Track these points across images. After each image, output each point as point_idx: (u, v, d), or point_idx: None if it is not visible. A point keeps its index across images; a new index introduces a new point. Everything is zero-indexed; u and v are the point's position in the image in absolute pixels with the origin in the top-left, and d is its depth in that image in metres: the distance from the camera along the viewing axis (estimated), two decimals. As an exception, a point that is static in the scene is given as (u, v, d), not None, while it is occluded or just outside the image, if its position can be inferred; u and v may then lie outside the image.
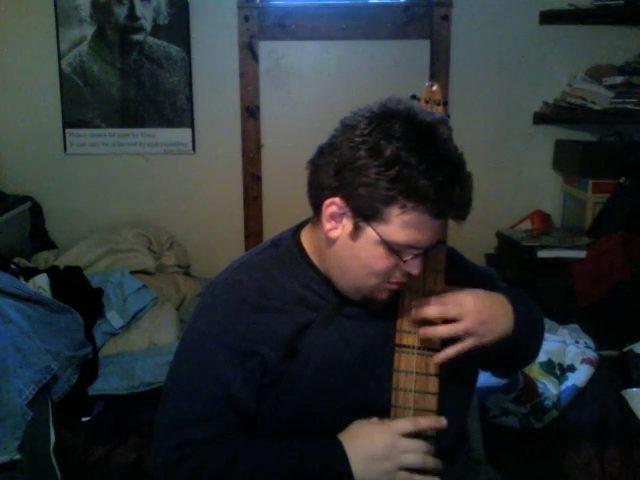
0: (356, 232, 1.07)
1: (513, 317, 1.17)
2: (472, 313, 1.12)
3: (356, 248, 1.08)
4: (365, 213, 1.05)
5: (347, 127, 1.07)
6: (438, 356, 1.13)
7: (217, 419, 1.12)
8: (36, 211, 2.95)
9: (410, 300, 1.17)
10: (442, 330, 1.13)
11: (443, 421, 1.12)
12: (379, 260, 1.07)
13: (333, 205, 1.07)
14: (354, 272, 1.11)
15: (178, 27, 2.87)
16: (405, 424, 1.11)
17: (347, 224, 1.08)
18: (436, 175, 1.00)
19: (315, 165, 1.11)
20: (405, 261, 1.08)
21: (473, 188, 1.06)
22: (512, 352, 1.22)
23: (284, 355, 1.12)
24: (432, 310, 1.13)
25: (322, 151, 1.10)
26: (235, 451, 1.11)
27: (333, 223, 1.09)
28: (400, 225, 1.04)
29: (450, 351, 1.13)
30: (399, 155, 1.01)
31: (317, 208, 1.11)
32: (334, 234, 1.10)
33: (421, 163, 1.00)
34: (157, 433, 1.15)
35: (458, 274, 1.22)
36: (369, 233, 1.06)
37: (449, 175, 1.02)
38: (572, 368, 1.96)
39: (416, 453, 1.09)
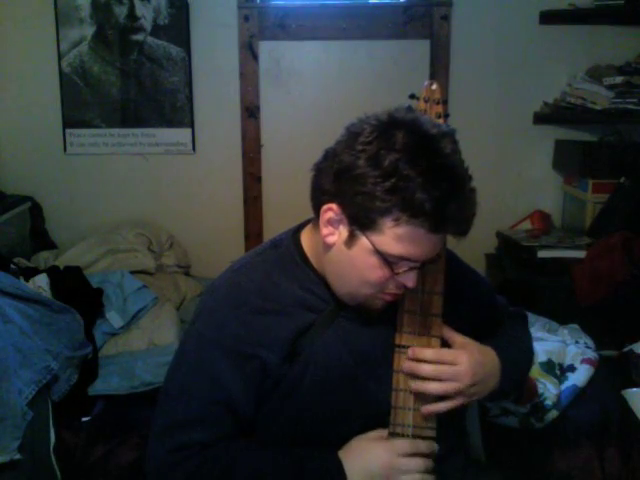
0: (351, 240, 1.07)
1: (500, 375, 1.19)
2: (466, 375, 1.13)
3: (351, 256, 1.08)
4: (360, 222, 1.04)
5: (351, 134, 1.06)
6: (428, 409, 1.13)
7: (215, 422, 1.12)
8: (36, 211, 2.95)
9: (410, 301, 1.17)
10: (435, 387, 1.13)
11: (436, 446, 1.14)
12: (373, 270, 1.07)
13: (330, 211, 1.07)
14: (349, 279, 1.11)
15: (178, 27, 2.87)
16: (404, 445, 1.12)
17: (343, 231, 1.08)
18: (433, 189, 0.99)
19: (318, 169, 1.11)
20: (398, 273, 1.07)
21: (477, 204, 1.05)
22: (497, 397, 1.25)
23: (284, 358, 1.12)
24: (427, 368, 1.13)
25: (327, 155, 1.10)
26: (232, 458, 1.11)
27: (330, 229, 1.09)
28: (394, 237, 1.03)
29: (441, 406, 1.14)
30: (397, 166, 1.00)
31: (317, 211, 1.11)
32: (331, 240, 1.10)
33: (418, 176, 0.99)
34: (154, 434, 1.15)
35: (453, 279, 1.22)
36: (363, 242, 1.06)
37: (446, 190, 1.00)
38: (572, 368, 1.96)
39: (414, 473, 1.10)
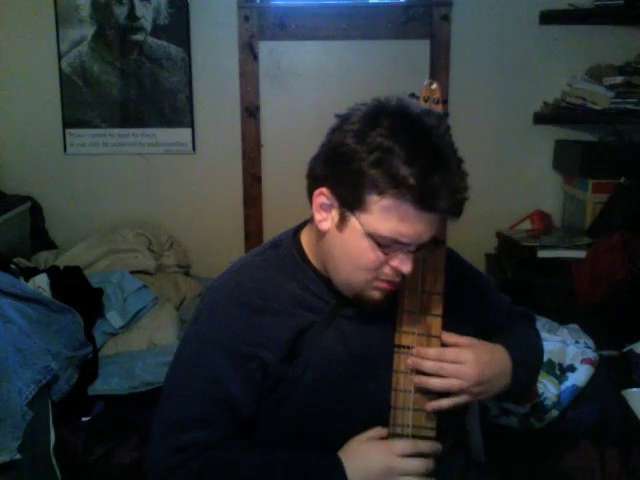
0: (342, 223, 1.07)
1: (512, 374, 1.17)
2: (471, 373, 1.12)
3: (343, 240, 1.08)
4: (349, 202, 1.05)
5: (340, 119, 1.08)
6: (431, 405, 1.13)
7: (216, 422, 1.12)
8: (36, 211, 2.95)
9: (410, 301, 1.17)
10: (436, 383, 1.12)
11: (439, 446, 1.13)
12: (365, 253, 1.06)
13: (321, 195, 1.08)
14: (343, 265, 1.10)
15: (178, 27, 2.87)
16: (404, 445, 1.11)
17: (335, 215, 1.08)
18: (416, 162, 0.99)
19: (312, 160, 1.12)
20: (387, 254, 1.06)
21: (467, 185, 1.04)
22: (504, 397, 1.24)
23: (284, 358, 1.12)
24: (430, 365, 1.13)
25: (320, 147, 1.11)
26: (235, 460, 1.10)
27: (323, 214, 1.10)
28: (381, 212, 1.02)
29: (443, 403, 1.13)
30: (381, 142, 1.00)
31: (310, 200, 1.12)
32: (324, 226, 1.10)
33: (401, 149, 0.99)
34: (155, 434, 1.15)
35: (454, 277, 1.22)
36: (354, 224, 1.06)
37: (431, 164, 1.00)
38: (572, 368, 1.96)
39: (414, 475, 1.10)
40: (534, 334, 1.37)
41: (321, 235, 1.12)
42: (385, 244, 1.05)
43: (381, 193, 1.01)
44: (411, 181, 0.99)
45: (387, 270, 1.08)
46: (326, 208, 1.09)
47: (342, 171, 1.04)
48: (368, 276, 1.09)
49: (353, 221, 1.06)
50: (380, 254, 1.06)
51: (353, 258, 1.08)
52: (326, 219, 1.10)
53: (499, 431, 1.80)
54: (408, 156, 0.99)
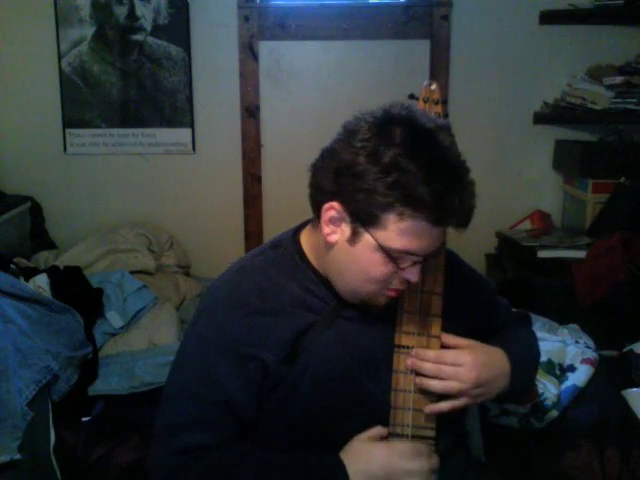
0: (354, 237, 1.07)
1: (510, 375, 1.18)
2: (469, 376, 1.13)
3: (354, 253, 1.08)
4: (363, 219, 1.05)
5: (348, 132, 1.06)
6: (431, 408, 1.14)
7: (217, 423, 1.12)
8: (36, 211, 2.95)
9: (409, 301, 1.17)
10: (436, 385, 1.13)
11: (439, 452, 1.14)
12: (377, 266, 1.07)
13: (332, 209, 1.07)
14: (352, 277, 1.10)
15: (178, 27, 2.87)
16: (406, 446, 1.12)
17: (345, 229, 1.08)
18: (434, 183, 1.00)
19: (316, 168, 1.11)
20: (403, 268, 1.07)
21: (475, 195, 1.05)
22: (503, 399, 1.25)
23: (284, 358, 1.12)
24: (429, 367, 1.13)
25: (323, 155, 1.10)
26: (235, 462, 1.11)
27: (332, 227, 1.09)
28: (398, 232, 1.03)
29: (443, 406, 1.14)
30: (398, 162, 1.00)
31: (317, 211, 1.11)
32: (333, 238, 1.10)
33: (419, 170, 1.00)
34: (157, 436, 1.15)
35: (454, 278, 1.22)
36: (367, 239, 1.06)
37: (448, 183, 1.00)
38: (572, 368, 1.96)
39: (416, 475, 1.10)
40: (531, 335, 1.38)
41: (329, 247, 1.12)
42: (397, 257, 1.06)
43: (399, 214, 1.02)
44: (430, 203, 1.00)
45: (396, 280, 1.10)
46: (336, 222, 1.09)
47: (356, 189, 1.03)
48: (378, 287, 1.10)
49: (366, 236, 1.06)
50: (392, 267, 1.07)
51: (364, 271, 1.08)
52: (335, 232, 1.09)
53: (499, 431, 1.80)
54: (427, 177, 1.00)
